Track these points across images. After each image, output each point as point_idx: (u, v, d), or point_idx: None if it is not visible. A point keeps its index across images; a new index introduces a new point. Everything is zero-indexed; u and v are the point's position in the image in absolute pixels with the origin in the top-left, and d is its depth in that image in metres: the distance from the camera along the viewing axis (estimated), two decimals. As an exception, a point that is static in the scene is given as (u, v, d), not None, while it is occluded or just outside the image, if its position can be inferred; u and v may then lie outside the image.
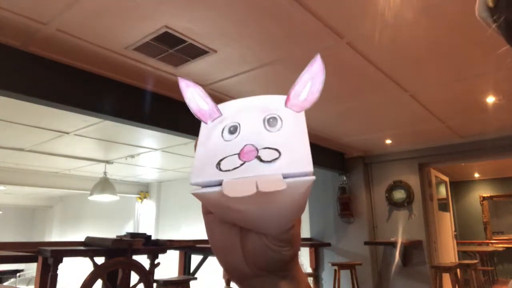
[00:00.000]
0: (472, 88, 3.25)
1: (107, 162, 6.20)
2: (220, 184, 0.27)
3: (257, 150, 0.27)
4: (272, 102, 0.30)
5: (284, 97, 0.30)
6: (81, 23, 2.19)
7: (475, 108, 3.75)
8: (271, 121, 0.29)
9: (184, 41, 2.39)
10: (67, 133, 4.43)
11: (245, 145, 0.28)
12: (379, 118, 4.13)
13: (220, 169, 0.27)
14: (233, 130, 0.29)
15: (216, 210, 0.30)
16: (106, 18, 2.14)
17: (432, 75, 3.00)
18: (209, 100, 0.31)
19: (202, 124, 0.31)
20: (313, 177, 0.27)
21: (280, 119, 0.29)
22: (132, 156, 5.78)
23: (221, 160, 0.28)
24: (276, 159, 0.27)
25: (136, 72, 2.83)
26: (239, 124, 0.29)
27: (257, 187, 0.25)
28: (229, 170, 0.27)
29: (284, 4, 2.01)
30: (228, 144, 0.28)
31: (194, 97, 0.31)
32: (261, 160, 0.27)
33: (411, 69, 2.87)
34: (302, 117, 0.30)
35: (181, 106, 3.27)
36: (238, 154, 0.28)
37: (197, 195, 0.28)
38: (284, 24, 2.21)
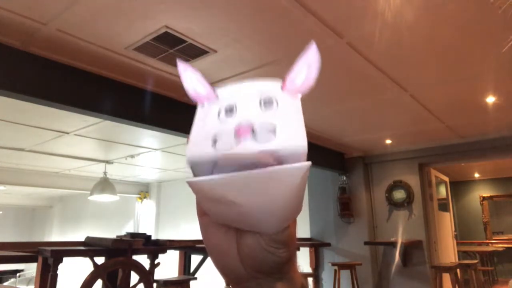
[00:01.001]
0: (472, 88, 3.25)
1: (107, 162, 6.20)
2: (214, 162, 0.27)
3: (253, 129, 0.28)
4: (269, 87, 0.31)
5: (280, 82, 0.31)
6: (81, 23, 2.19)
7: (475, 108, 3.75)
8: (267, 104, 0.29)
9: (184, 41, 2.39)
10: (67, 133, 4.43)
11: (241, 125, 0.28)
12: (379, 118, 4.13)
13: (215, 148, 0.28)
14: (229, 112, 0.29)
15: (211, 206, 0.30)
16: (106, 18, 2.14)
17: (432, 75, 3.00)
18: (206, 84, 0.31)
19: (198, 107, 0.31)
20: (309, 163, 0.27)
21: (277, 101, 0.29)
22: (132, 156, 5.77)
23: (216, 139, 0.28)
24: (271, 138, 0.27)
25: (136, 72, 2.83)
26: (235, 106, 0.29)
27: (251, 172, 0.26)
28: (224, 150, 0.27)
29: (284, 4, 2.01)
30: (223, 124, 0.29)
31: (192, 80, 0.31)
32: (256, 139, 0.27)
33: (411, 69, 2.88)
34: (298, 102, 0.30)
35: (181, 106, 3.27)
36: (234, 133, 0.28)
37: (191, 184, 0.28)
38: (284, 24, 2.21)
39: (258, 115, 0.29)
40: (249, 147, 0.27)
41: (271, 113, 0.29)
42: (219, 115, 0.29)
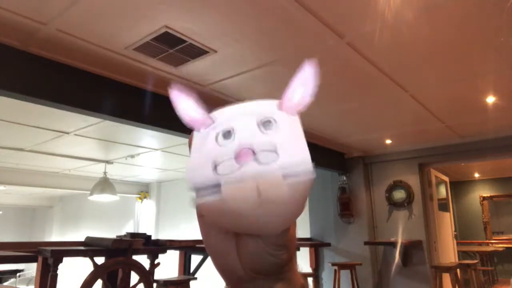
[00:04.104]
0: (472, 88, 3.25)
1: (107, 162, 6.20)
2: (217, 186, 0.26)
3: (254, 152, 0.27)
4: (266, 107, 0.30)
5: (277, 101, 0.30)
6: (81, 23, 2.19)
7: (475, 108, 3.74)
8: (266, 124, 0.28)
9: (184, 41, 2.39)
10: (67, 133, 4.43)
11: (241, 149, 0.27)
12: (379, 118, 4.13)
13: (217, 173, 0.27)
14: (227, 135, 0.28)
15: (214, 218, 0.30)
16: (106, 18, 2.14)
17: (432, 75, 3.00)
18: (200, 109, 0.30)
19: (194, 132, 0.30)
20: (313, 175, 0.27)
21: (275, 121, 0.29)
22: (132, 156, 5.77)
23: (217, 165, 0.27)
24: (274, 160, 0.26)
25: (136, 72, 2.83)
26: (233, 129, 0.28)
27: (258, 192, 0.25)
28: (226, 174, 0.26)
29: (284, 4, 2.01)
30: (223, 149, 0.28)
31: (186, 107, 0.30)
32: (258, 162, 0.26)
33: (411, 69, 2.87)
34: (297, 120, 0.29)
35: (181, 106, 3.26)
36: (235, 157, 0.27)
37: (198, 206, 0.27)
38: (284, 24, 2.21)
39: (257, 137, 0.28)
40: (251, 169, 0.26)
41: (270, 133, 0.28)
42: (216, 139, 0.29)
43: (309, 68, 0.30)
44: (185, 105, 0.30)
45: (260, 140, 0.27)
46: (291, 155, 0.27)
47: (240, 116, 0.29)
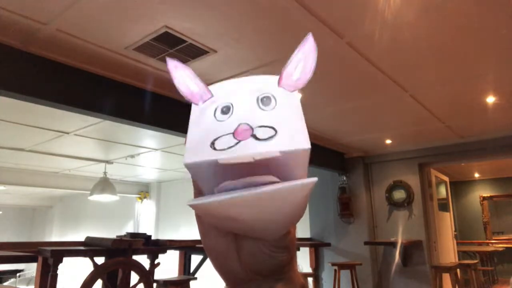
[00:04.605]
0: (472, 88, 3.25)
1: (107, 162, 6.20)
2: (214, 163, 0.26)
3: (252, 128, 0.27)
4: (265, 82, 0.30)
5: (277, 77, 0.30)
6: (81, 23, 2.19)
7: (475, 108, 3.74)
8: (264, 100, 0.28)
9: (184, 41, 2.39)
10: (67, 133, 4.43)
11: (239, 124, 0.27)
12: (379, 118, 4.13)
13: (214, 149, 0.27)
14: (226, 110, 0.28)
15: (213, 221, 0.30)
16: (106, 18, 2.14)
17: (432, 75, 3.00)
18: (199, 81, 0.30)
19: (193, 106, 0.30)
20: (315, 179, 0.26)
21: (274, 98, 0.28)
22: (132, 156, 5.77)
23: (215, 140, 0.27)
24: (272, 136, 0.26)
25: (136, 72, 2.83)
26: (232, 104, 0.28)
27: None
28: (224, 149, 0.26)
29: (284, 4, 2.01)
30: (221, 124, 0.28)
31: (184, 79, 0.30)
32: (256, 138, 0.26)
33: (411, 69, 2.87)
34: (296, 96, 0.29)
35: (181, 106, 3.27)
36: (233, 133, 0.27)
37: (194, 207, 0.27)
38: (284, 24, 2.21)
39: (256, 114, 0.28)
40: (249, 146, 0.26)
41: (270, 111, 0.28)
42: (215, 113, 0.29)
43: (309, 43, 0.29)
44: (183, 75, 0.30)
45: (259, 116, 0.27)
46: (289, 132, 0.27)
47: (239, 92, 0.29)
